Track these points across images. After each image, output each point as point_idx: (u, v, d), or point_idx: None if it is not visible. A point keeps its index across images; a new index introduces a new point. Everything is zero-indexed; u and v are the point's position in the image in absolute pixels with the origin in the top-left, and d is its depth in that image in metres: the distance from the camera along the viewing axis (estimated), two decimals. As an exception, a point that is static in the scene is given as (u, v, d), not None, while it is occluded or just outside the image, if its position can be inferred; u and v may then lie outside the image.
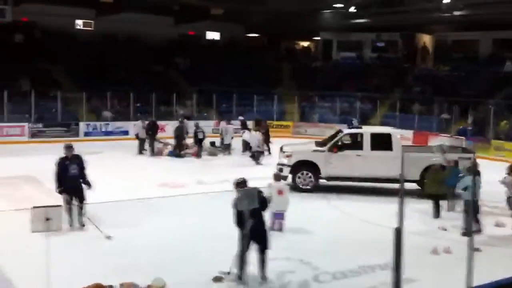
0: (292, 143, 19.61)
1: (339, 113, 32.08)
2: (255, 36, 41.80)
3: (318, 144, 16.90)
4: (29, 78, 28.56)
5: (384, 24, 35.85)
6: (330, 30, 39.04)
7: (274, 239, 10.69)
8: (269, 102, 33.12)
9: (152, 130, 22.74)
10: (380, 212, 13.57)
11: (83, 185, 11.54)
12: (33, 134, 26.18)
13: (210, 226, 11.92)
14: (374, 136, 16.12)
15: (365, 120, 30.83)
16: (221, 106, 32.01)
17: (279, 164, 16.40)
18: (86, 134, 27.18)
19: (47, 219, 6.18)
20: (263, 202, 9.08)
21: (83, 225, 11.42)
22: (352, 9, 34.53)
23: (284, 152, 16.65)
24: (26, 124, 26.11)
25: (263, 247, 8.90)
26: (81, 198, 11.49)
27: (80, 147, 22.82)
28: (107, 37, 34.54)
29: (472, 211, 10.63)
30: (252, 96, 32.31)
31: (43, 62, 30.05)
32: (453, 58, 35.61)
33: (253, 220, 8.61)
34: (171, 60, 35.57)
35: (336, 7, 35.01)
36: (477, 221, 11.81)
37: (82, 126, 27.35)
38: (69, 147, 11.65)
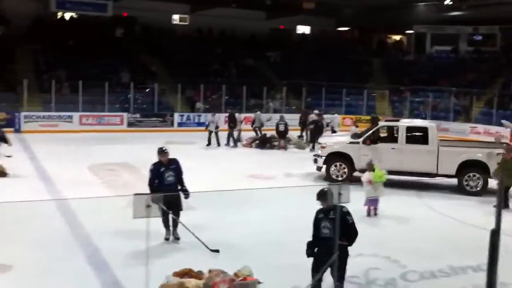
0: (335, 135, 19.90)
1: (432, 108, 31.21)
2: (346, 30, 41.39)
3: (355, 135, 16.94)
4: (129, 71, 30.02)
5: (482, 16, 34.39)
6: (424, 23, 37.95)
7: (363, 235, 10.77)
8: (359, 97, 32.81)
9: (232, 122, 23.26)
10: (473, 212, 13.26)
11: (181, 194, 10.03)
12: (131, 124, 27.58)
13: (300, 218, 12.05)
14: (410, 129, 15.94)
15: (458, 116, 29.94)
16: (309, 100, 32.10)
17: (314, 155, 16.85)
18: (180, 124, 28.24)
19: (148, 206, 6.60)
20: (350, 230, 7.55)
21: (178, 238, 10.19)
22: (448, 2, 33.40)
23: (319, 143, 17.00)
24: (124, 114, 27.57)
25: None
26: (178, 209, 10.02)
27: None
28: (201, 31, 35.57)
29: None
30: (341, 90, 32.15)
31: (142, 55, 31.56)
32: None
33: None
34: (262, 54, 36.11)
35: (431, 0, 34.00)
36: None
37: (177, 116, 28.46)
38: (163, 152, 10.18)
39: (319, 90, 31.89)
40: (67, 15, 32.60)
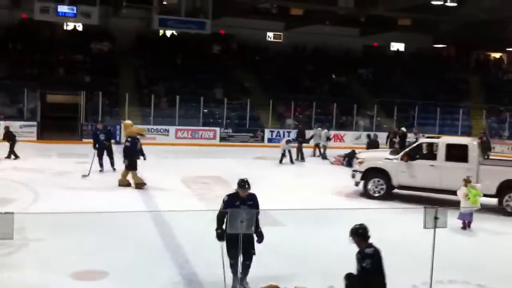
0: (375, 151, 19.69)
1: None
2: (443, 47, 40.27)
3: (394, 152, 16.86)
4: (223, 86, 30.95)
5: None
6: (527, 41, 36.21)
7: (454, 259, 10.52)
8: (455, 116, 31.78)
9: (301, 137, 23.91)
10: None
11: (254, 237, 8.43)
12: (223, 138, 28.39)
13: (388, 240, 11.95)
14: (449, 147, 15.58)
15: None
16: (401, 118, 31.52)
17: (353, 170, 16.82)
18: (270, 140, 28.69)
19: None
20: None
21: None
22: (553, 18, 31.70)
23: (357, 158, 16.85)
24: (217, 129, 28.43)
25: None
26: (250, 254, 8.42)
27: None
28: (295, 48, 36.02)
29: None
30: (435, 109, 31.30)
31: (237, 72, 32.45)
32: None
33: None
34: (354, 71, 35.97)
35: (534, 16, 32.38)
36: None
37: (267, 132, 28.95)
38: (244, 186, 8.63)
39: (412, 108, 31.24)
40: (168, 33, 34.10)
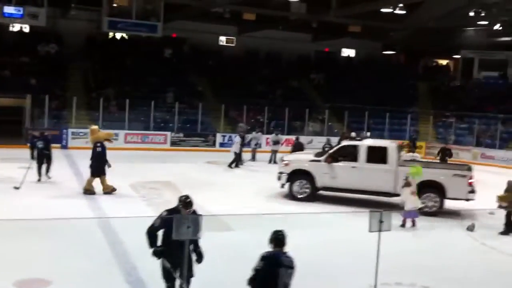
0: (301, 153, 20.09)
1: (477, 135, 30.58)
2: (392, 53, 41.15)
3: (318, 154, 17.22)
4: (175, 90, 30.65)
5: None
6: (472, 48, 37.37)
7: (401, 263, 10.66)
8: (403, 121, 32.46)
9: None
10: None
11: (193, 255, 7.52)
12: (174, 143, 28.06)
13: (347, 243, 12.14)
14: (370, 149, 16.16)
15: (505, 144, 29.31)
16: (352, 123, 31.97)
17: (279, 172, 16.98)
18: (221, 144, 28.52)
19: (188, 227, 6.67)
20: None
21: None
22: (497, 27, 32.85)
23: (283, 160, 17.13)
24: (168, 133, 28.10)
25: None
26: (189, 273, 7.32)
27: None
28: (248, 52, 36.06)
29: None
30: (385, 114, 31.89)
31: (189, 76, 32.21)
32: None
33: None
34: (307, 76, 36.29)
35: (480, 25, 33.49)
36: None
37: (219, 137, 28.79)
38: (187, 203, 7.81)
39: (362, 113, 31.72)
40: (118, 35, 33.58)
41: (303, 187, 16.54)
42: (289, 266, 6.25)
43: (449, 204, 15.78)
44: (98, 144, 15.87)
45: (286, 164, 16.88)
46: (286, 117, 30.40)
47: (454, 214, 15.54)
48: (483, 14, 30.33)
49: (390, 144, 16.67)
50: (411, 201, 13.86)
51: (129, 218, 13.33)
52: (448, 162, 22.45)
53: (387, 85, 35.67)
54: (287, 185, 16.80)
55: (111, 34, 33.14)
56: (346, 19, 31.90)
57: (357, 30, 34.58)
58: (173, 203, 14.00)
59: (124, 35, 33.25)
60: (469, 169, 16.18)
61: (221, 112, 29.34)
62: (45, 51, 30.78)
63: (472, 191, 15.30)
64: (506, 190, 13.93)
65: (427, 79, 38.32)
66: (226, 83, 32.35)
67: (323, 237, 12.57)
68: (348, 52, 40.12)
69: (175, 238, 6.94)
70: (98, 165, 15.70)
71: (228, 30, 35.39)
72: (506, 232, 13.71)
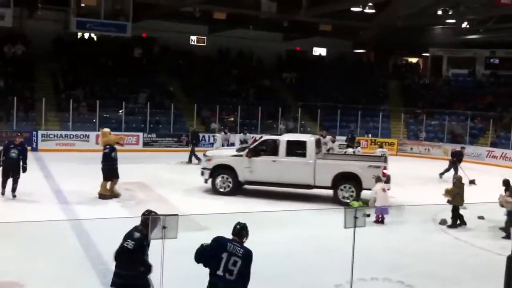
0: (224, 149, 20.65)
1: (448, 131, 31.05)
2: (363, 52, 41.51)
3: (240, 149, 17.60)
4: (147, 91, 30.35)
5: (499, 40, 34.32)
6: (441, 46, 37.95)
7: (377, 258, 10.73)
8: (375, 119, 32.77)
9: (195, 139, 24.53)
10: (490, 238, 13.22)
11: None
12: (146, 144, 27.78)
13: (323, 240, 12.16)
14: (290, 143, 16.53)
15: (474, 140, 29.80)
16: (324, 121, 32.14)
17: (202, 168, 17.25)
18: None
19: (164, 227, 6.48)
20: None
21: None
22: (465, 25, 33.41)
23: (206, 156, 17.34)
24: (140, 134, 27.81)
25: None
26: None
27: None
28: (219, 52, 35.93)
29: None
30: (356, 112, 32.15)
31: (160, 76, 31.94)
32: None
33: None
34: (278, 75, 36.35)
35: (448, 23, 34.01)
36: None
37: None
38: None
39: (334, 112, 31.91)
40: (87, 35, 33.09)
41: (225, 181, 16.72)
42: (235, 254, 6.35)
43: (422, 199, 15.99)
44: (108, 147, 15.72)
45: (209, 160, 17.05)
46: (259, 116, 30.39)
47: (426, 209, 15.70)
48: (450, 13, 30.78)
49: (309, 138, 17.07)
50: (382, 197, 14.09)
51: (103, 220, 13.18)
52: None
53: (358, 83, 35.97)
54: (210, 181, 16.92)
55: (79, 35, 32.60)
56: (317, 18, 32.01)
57: (328, 29, 34.76)
58: (147, 203, 13.99)
59: (93, 35, 32.76)
60: (385, 160, 17.02)
61: (193, 112, 29.17)
62: (12, 52, 30.12)
63: (387, 181, 15.77)
64: (453, 185, 14.34)
65: (398, 77, 38.75)
66: (198, 83, 32.18)
67: (299, 234, 12.59)
68: (319, 51, 40.30)
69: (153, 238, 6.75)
70: (110, 168, 15.54)
71: (199, 30, 35.18)
72: (453, 225, 13.89)
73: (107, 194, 15.49)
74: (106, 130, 16.78)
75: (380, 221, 13.98)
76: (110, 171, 15.53)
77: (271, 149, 16.71)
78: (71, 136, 26.21)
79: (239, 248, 6.41)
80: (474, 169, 25.95)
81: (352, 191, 15.93)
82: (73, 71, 30.18)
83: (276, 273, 9.65)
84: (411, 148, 30.79)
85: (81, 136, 26.47)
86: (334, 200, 16.04)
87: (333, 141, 24.23)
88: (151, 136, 28.02)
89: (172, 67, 32.74)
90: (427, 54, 39.96)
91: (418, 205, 15.53)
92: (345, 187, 16.00)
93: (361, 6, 28.26)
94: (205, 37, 35.92)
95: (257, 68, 36.02)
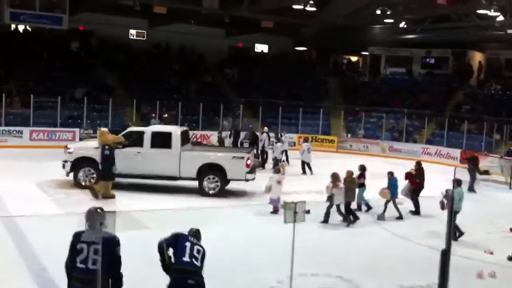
0: (87, 141, 20.56)
1: (386, 129, 31.79)
2: (304, 50, 41.90)
3: None
4: (84, 85, 29.48)
5: (435, 40, 35.41)
6: (379, 45, 38.79)
7: (317, 253, 10.79)
8: (316, 116, 33.12)
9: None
10: (422, 231, 13.56)
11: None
12: (83, 139, 26.95)
13: (261, 236, 12.12)
14: (155, 135, 16.59)
15: (410, 137, 30.61)
16: (266, 118, 32.17)
17: (63, 160, 16.80)
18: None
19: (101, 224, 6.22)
20: None
21: None
22: (402, 25, 34.26)
23: (67, 148, 17.22)
24: (77, 130, 27.01)
25: None
26: None
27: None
28: (159, 46, 35.35)
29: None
30: (298, 109, 32.38)
31: (98, 70, 31.10)
32: (505, 77, 34.86)
33: None
34: (220, 71, 36.15)
35: (386, 22, 34.78)
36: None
37: (131, 132, 27.94)
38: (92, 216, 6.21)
39: (276, 108, 32.04)
40: (21, 28, 31.82)
41: (89, 174, 16.47)
42: (197, 244, 6.75)
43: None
44: (107, 147, 15.40)
45: (70, 152, 16.70)
46: (200, 112, 30.11)
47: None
48: (389, 13, 31.49)
49: (174, 130, 17.19)
50: (276, 189, 14.49)
51: (38, 219, 12.75)
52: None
53: (299, 80, 36.24)
54: (72, 174, 16.60)
55: (13, 26, 31.32)
56: (259, 14, 32.00)
57: (270, 26, 34.82)
58: (82, 203, 13.57)
59: (28, 27, 31.54)
60: (249, 152, 17.40)
61: (133, 108, 28.56)
62: None
63: (250, 172, 16.31)
64: (344, 180, 14.26)
65: (338, 74, 39.32)
66: (138, 78, 31.54)
67: (235, 231, 12.58)
68: (261, 48, 40.39)
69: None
70: (108, 168, 15.26)
71: (138, 23, 34.48)
72: (345, 220, 13.97)
73: (113, 194, 15.33)
74: (104, 129, 16.60)
75: (277, 211, 14.27)
76: (110, 171, 15.36)
77: (136, 141, 16.54)
78: (3, 132, 25.21)
79: (197, 242, 6.83)
80: (410, 165, 26.72)
81: (217, 182, 16.17)
82: (6, 65, 28.93)
83: (217, 270, 9.53)
84: (351, 145, 31.33)
85: (14, 132, 25.48)
86: (199, 192, 16.20)
87: (281, 136, 23.97)
88: (88, 131, 27.22)
89: (110, 61, 31.95)
90: (366, 53, 40.77)
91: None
92: (209, 178, 16.20)
93: (302, 3, 28.42)
94: (145, 31, 35.28)
95: (198, 64, 35.68)
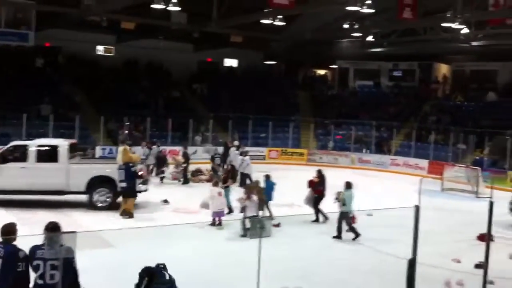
0: None
1: (354, 141, 32.04)
2: (274, 64, 42.09)
3: None
4: (51, 102, 29.01)
5: (402, 53, 36.01)
6: (347, 59, 39.26)
7: (289, 267, 10.68)
8: (285, 129, 33.22)
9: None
10: (395, 243, 13.55)
11: None
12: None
13: (225, 253, 11.95)
14: (40, 148, 16.30)
15: (379, 149, 30.90)
16: (236, 132, 32.09)
17: None
18: (102, 158, 27.28)
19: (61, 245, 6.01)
20: None
21: None
22: (369, 38, 34.74)
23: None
24: (44, 147, 26.45)
25: None
26: None
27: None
28: (127, 62, 35.08)
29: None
30: (267, 123, 32.42)
31: (65, 86, 30.67)
32: (470, 88, 35.58)
33: None
34: (189, 86, 36.02)
35: (354, 36, 35.20)
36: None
37: (98, 150, 27.54)
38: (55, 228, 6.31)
39: (246, 122, 32.01)
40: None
41: None
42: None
43: (329, 207, 16.21)
44: (131, 165, 15.57)
45: None
46: (170, 128, 29.88)
47: (332, 217, 15.93)
48: (356, 26, 31.88)
49: (61, 143, 16.92)
50: (217, 201, 14.65)
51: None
52: None
53: (269, 94, 36.37)
54: None
55: (-23, 43, 30.73)
56: (228, 29, 32.05)
57: (239, 41, 34.92)
58: (48, 220, 13.08)
59: (-8, 44, 30.97)
60: (142, 162, 17.53)
61: (100, 124, 28.17)
62: None
63: (143, 183, 16.36)
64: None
65: (307, 88, 39.61)
66: (105, 94, 31.21)
67: (198, 248, 12.41)
68: (230, 62, 40.43)
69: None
70: (134, 185, 15.43)
71: (106, 39, 34.17)
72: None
73: (132, 212, 15.33)
74: (127, 147, 16.64)
75: (218, 223, 14.47)
76: (134, 189, 15.48)
77: (20, 155, 16.16)
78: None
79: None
80: (378, 176, 26.99)
81: (109, 195, 16.01)
82: (-31, 82, 28.34)
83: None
84: (320, 158, 31.48)
85: (-22, 150, 24.80)
86: (89, 205, 16.02)
87: (242, 151, 23.71)
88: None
89: (77, 77, 31.57)
90: (335, 66, 41.18)
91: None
92: (100, 191, 16.02)
93: (271, 18, 28.61)
94: (113, 47, 34.99)
95: (167, 79, 35.50)
